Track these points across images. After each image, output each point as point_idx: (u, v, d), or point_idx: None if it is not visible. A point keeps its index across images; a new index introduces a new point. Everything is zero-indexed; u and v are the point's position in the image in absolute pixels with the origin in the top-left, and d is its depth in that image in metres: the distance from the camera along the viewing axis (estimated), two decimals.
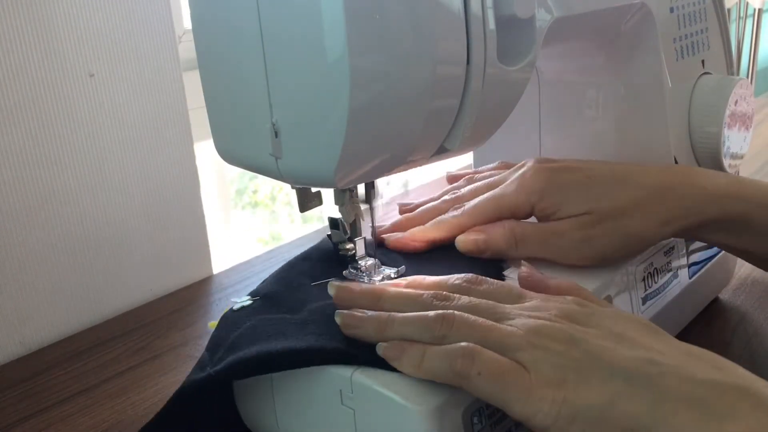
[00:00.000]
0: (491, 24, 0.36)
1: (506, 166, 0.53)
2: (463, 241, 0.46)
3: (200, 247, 0.74)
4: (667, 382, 0.31)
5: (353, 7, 0.30)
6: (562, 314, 0.35)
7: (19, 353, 0.61)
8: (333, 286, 0.40)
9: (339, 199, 0.42)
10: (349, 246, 0.44)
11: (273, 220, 1.85)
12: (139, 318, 0.66)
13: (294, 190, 0.41)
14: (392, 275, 0.44)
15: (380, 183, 0.46)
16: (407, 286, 0.40)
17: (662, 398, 0.31)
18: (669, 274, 0.51)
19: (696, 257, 0.55)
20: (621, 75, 0.53)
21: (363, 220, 0.43)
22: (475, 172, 0.55)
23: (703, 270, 0.55)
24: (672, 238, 0.50)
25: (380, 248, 0.47)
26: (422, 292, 0.38)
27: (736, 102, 0.54)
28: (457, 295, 0.37)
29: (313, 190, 0.42)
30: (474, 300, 0.37)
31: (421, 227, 0.48)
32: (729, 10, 2.01)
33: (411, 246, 0.47)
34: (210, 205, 0.91)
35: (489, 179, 0.50)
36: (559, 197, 0.45)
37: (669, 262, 0.51)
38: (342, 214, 0.43)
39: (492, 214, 0.47)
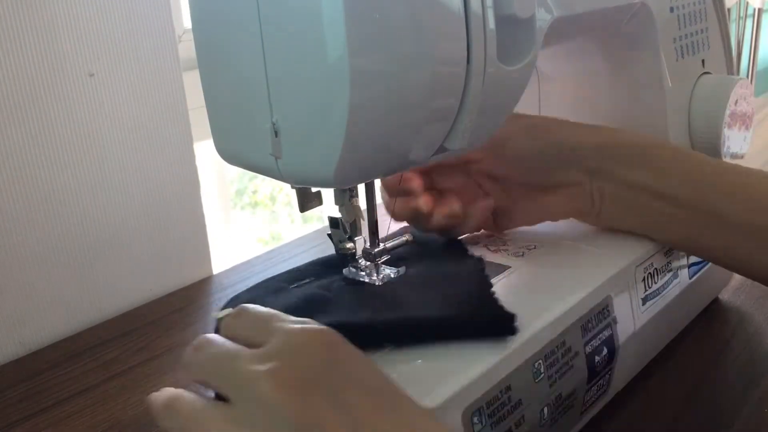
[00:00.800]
0: (491, 24, 0.36)
1: None
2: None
3: (200, 247, 0.74)
4: None
5: (353, 7, 0.30)
6: (292, 366, 0.31)
7: (19, 353, 0.61)
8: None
9: (339, 199, 0.42)
10: (350, 245, 0.44)
11: (273, 220, 1.85)
12: (139, 318, 0.66)
13: (294, 190, 0.41)
14: (392, 275, 0.44)
15: (380, 183, 0.45)
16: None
17: None
18: (669, 275, 0.51)
19: (696, 257, 0.55)
20: (621, 75, 0.53)
21: (363, 220, 0.43)
22: None
23: (703, 270, 0.55)
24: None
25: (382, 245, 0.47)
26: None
27: (736, 102, 0.54)
28: (206, 344, 0.35)
29: (313, 190, 0.42)
30: (208, 353, 0.34)
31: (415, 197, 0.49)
32: (729, 10, 2.01)
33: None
34: (210, 205, 0.91)
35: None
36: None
37: (669, 263, 0.51)
38: (342, 214, 0.43)
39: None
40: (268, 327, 0.34)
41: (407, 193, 0.49)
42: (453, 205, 0.49)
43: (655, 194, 0.47)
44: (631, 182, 0.47)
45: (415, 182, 0.49)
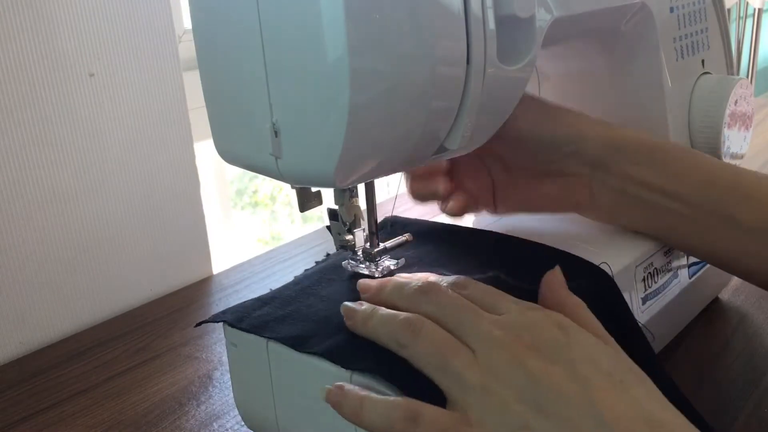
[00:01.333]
0: (491, 24, 0.36)
1: None
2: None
3: (200, 247, 0.74)
4: None
5: (353, 7, 0.30)
6: (533, 339, 0.34)
7: (19, 353, 0.61)
8: (360, 283, 0.40)
9: (339, 199, 0.42)
10: (349, 237, 0.44)
11: (273, 220, 1.85)
12: (139, 318, 0.66)
13: (294, 190, 0.41)
14: (392, 267, 0.44)
15: (380, 183, 0.45)
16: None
17: None
18: (669, 274, 0.51)
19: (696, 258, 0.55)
20: (621, 75, 0.53)
21: (363, 219, 0.43)
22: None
23: (703, 270, 0.55)
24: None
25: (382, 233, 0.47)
26: (411, 281, 0.38)
27: (736, 102, 0.54)
28: (443, 290, 0.37)
29: (313, 190, 0.42)
30: (453, 298, 0.37)
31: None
32: (729, 10, 2.01)
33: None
34: (210, 205, 0.91)
35: None
36: None
37: (669, 262, 0.51)
38: (342, 213, 0.43)
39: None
40: (499, 300, 0.37)
41: (429, 174, 0.50)
42: (460, 199, 0.50)
43: (664, 192, 0.46)
44: (637, 178, 0.46)
45: (439, 164, 0.50)
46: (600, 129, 0.48)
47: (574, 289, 0.38)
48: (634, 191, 0.47)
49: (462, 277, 0.39)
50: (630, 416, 0.31)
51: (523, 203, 0.52)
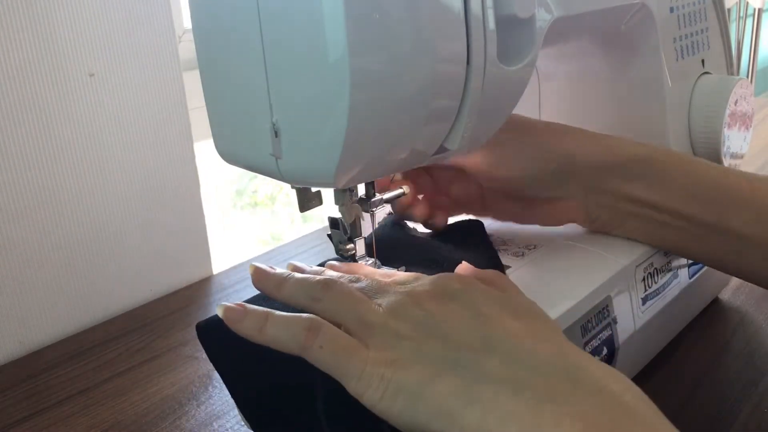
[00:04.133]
0: (491, 24, 0.36)
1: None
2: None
3: (200, 247, 0.74)
4: (491, 362, 0.32)
5: (353, 7, 0.30)
6: (432, 288, 0.36)
7: (19, 353, 0.61)
8: (251, 266, 0.41)
9: (339, 199, 0.42)
10: (349, 246, 0.44)
11: (273, 220, 1.85)
12: (139, 318, 0.66)
13: (294, 190, 0.41)
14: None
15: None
16: (346, 272, 0.41)
17: (481, 379, 0.31)
18: (669, 274, 0.51)
19: None
20: (621, 75, 0.53)
21: (363, 220, 0.43)
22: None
23: (703, 270, 0.55)
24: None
25: (380, 248, 0.47)
26: (316, 276, 0.39)
27: (736, 102, 0.54)
28: (341, 283, 0.38)
29: (313, 190, 0.42)
30: (367, 279, 0.38)
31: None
32: (729, 10, 2.01)
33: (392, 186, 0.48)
34: (210, 205, 0.91)
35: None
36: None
37: (669, 262, 0.51)
38: (342, 214, 0.43)
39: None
40: (409, 274, 0.40)
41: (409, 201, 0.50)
42: (440, 219, 0.50)
43: (657, 207, 0.47)
44: (631, 196, 0.47)
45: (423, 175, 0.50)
46: (590, 149, 0.47)
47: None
48: (628, 208, 0.47)
49: (388, 269, 0.42)
50: (521, 332, 0.33)
51: (514, 217, 0.52)
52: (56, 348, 0.62)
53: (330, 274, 0.40)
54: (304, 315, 0.35)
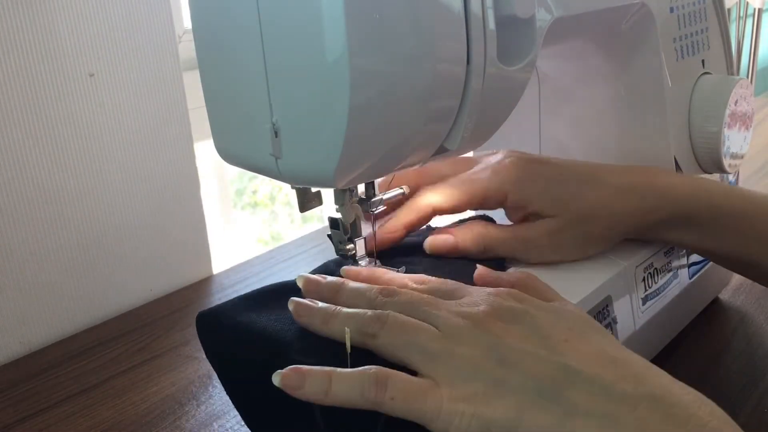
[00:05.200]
0: (491, 24, 0.36)
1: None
2: (431, 244, 0.46)
3: (200, 247, 0.74)
4: (577, 395, 0.31)
5: (353, 7, 0.30)
6: (490, 311, 0.35)
7: (19, 353, 0.61)
8: (301, 278, 0.40)
9: (339, 199, 0.42)
10: (349, 246, 0.44)
11: (273, 220, 1.85)
12: (139, 318, 0.66)
13: (294, 190, 0.41)
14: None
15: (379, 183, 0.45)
16: (367, 278, 0.41)
17: (572, 412, 0.31)
18: (669, 274, 0.51)
19: (696, 257, 0.55)
20: (621, 75, 0.53)
21: (363, 220, 0.43)
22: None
23: (703, 270, 0.55)
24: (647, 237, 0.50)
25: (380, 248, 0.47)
26: (373, 286, 0.38)
27: (736, 102, 0.54)
28: (403, 290, 0.38)
29: (313, 190, 0.42)
30: (414, 296, 0.37)
31: (395, 217, 0.47)
32: (729, 10, 2.01)
33: (389, 238, 0.47)
34: (210, 205, 0.91)
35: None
36: (532, 190, 0.46)
37: (669, 262, 0.51)
38: (342, 214, 0.43)
39: (464, 198, 0.47)
40: (456, 287, 0.39)
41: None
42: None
43: (696, 248, 0.49)
44: (673, 241, 0.49)
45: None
46: (631, 203, 0.46)
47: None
48: (669, 243, 0.50)
49: (418, 275, 0.41)
50: (595, 358, 0.33)
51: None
52: (56, 348, 0.62)
53: (352, 285, 0.39)
54: (369, 368, 0.33)
